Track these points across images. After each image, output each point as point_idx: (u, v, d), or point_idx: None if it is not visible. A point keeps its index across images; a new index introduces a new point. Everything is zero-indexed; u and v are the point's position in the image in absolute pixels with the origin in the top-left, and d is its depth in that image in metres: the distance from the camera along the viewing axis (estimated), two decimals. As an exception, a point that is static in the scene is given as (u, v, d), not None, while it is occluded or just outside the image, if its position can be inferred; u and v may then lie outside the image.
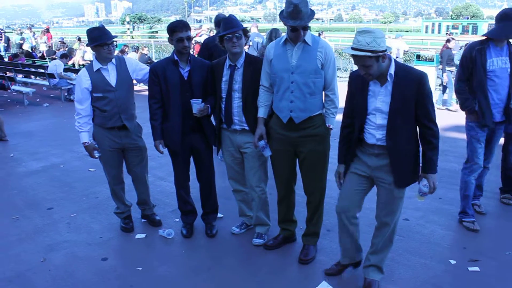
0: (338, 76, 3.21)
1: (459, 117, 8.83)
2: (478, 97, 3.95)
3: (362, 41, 2.59)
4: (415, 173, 2.97)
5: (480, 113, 3.96)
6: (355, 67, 2.82)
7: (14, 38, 21.52)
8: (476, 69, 3.92)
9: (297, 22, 3.12)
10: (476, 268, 3.48)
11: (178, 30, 3.57)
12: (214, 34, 7.49)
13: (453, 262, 3.59)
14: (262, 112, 3.52)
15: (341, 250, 3.39)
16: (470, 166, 4.15)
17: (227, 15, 3.72)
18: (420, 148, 2.94)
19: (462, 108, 4.14)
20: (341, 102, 3.20)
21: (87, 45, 3.81)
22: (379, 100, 2.82)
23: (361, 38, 2.59)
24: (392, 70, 2.74)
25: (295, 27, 3.15)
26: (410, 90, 2.72)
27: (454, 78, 4.08)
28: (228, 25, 3.47)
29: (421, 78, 2.73)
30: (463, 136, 7.49)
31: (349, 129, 3.06)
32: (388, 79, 2.76)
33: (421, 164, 2.95)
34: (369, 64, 2.63)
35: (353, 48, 2.62)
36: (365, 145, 2.98)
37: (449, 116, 9.06)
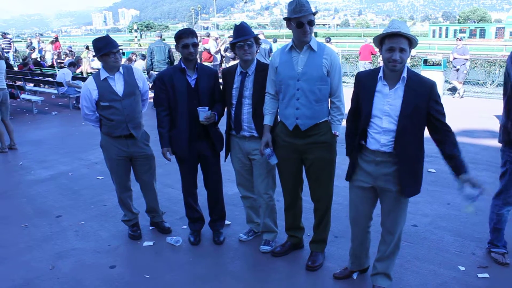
0: (344, 82, 3.18)
1: (469, 121, 8.79)
2: None
3: (402, 26, 2.66)
4: (420, 182, 2.95)
5: None
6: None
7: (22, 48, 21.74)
8: None
9: (302, 13, 3.13)
10: (486, 275, 3.45)
11: (184, 36, 3.62)
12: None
13: (462, 268, 3.55)
14: (268, 120, 3.52)
15: (350, 256, 3.39)
16: (504, 199, 3.50)
17: (238, 23, 3.72)
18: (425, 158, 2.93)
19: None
20: (347, 108, 3.22)
21: (94, 56, 3.84)
22: (387, 103, 2.78)
23: (401, 25, 2.67)
24: (405, 73, 2.75)
25: (301, 22, 3.15)
26: (423, 97, 2.72)
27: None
28: (239, 33, 3.49)
29: (433, 86, 2.76)
30: (473, 140, 7.50)
31: (354, 123, 3.03)
32: (400, 81, 2.76)
33: (453, 172, 2.80)
34: (406, 49, 2.66)
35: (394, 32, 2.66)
36: (365, 152, 2.94)
37: (459, 120, 8.99)
